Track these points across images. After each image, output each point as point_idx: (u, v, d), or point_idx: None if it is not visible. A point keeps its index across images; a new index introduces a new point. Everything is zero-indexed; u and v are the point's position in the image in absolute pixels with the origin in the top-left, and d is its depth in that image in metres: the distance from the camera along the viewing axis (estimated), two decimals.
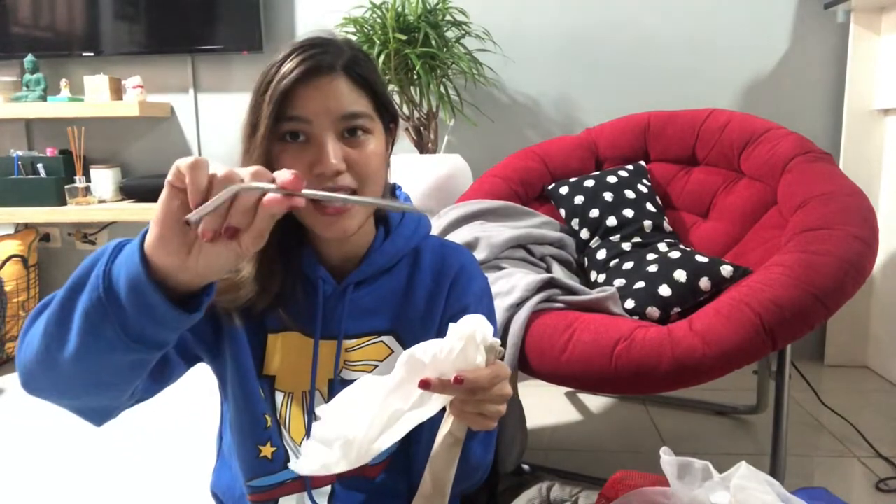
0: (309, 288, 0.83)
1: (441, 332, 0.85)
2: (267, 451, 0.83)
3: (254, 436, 0.83)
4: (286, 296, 0.81)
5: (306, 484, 0.83)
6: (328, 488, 0.84)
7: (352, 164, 0.74)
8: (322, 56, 0.74)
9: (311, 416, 0.83)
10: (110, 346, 0.56)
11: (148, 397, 0.76)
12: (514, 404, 1.28)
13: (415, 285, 0.86)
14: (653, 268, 1.46)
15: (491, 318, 0.91)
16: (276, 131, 0.74)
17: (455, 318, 0.84)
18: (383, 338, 0.84)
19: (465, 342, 0.62)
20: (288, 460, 0.83)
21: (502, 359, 0.68)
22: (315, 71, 0.73)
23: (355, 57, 0.77)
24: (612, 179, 1.72)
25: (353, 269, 0.84)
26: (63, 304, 0.58)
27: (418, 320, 0.85)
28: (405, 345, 0.84)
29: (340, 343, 0.83)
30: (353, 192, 0.75)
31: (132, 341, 0.56)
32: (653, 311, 1.39)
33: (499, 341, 0.66)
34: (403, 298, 0.85)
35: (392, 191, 0.94)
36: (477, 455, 0.81)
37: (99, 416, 0.69)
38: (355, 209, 0.76)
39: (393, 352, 0.85)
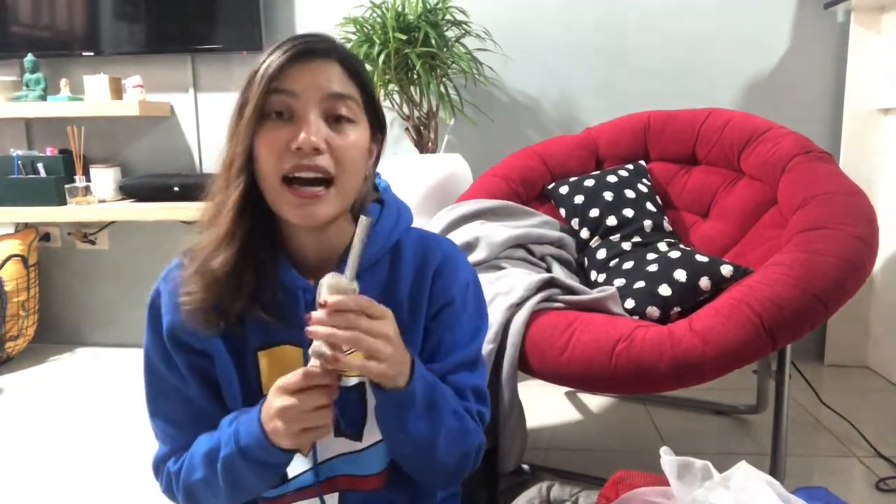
0: (290, 298, 0.80)
1: (428, 324, 0.85)
2: None
3: None
4: (266, 307, 0.79)
5: (316, 491, 0.83)
6: (335, 495, 0.84)
7: (332, 147, 0.75)
8: (318, 43, 0.76)
9: None
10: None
11: None
12: (514, 404, 1.28)
13: (397, 280, 0.84)
14: (653, 267, 1.46)
15: (480, 307, 0.90)
16: (264, 110, 0.74)
17: (442, 311, 0.84)
18: None
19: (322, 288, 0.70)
20: (286, 474, 0.83)
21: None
22: (309, 53, 0.75)
23: (350, 54, 0.79)
24: (612, 179, 1.72)
25: (331, 271, 0.80)
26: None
27: (404, 314, 0.83)
28: None
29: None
30: (331, 179, 0.75)
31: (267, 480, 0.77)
32: (653, 310, 1.39)
33: (354, 284, 0.70)
34: (387, 294, 0.83)
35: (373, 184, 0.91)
36: (418, 428, 0.75)
37: None
38: (329, 197, 0.76)
39: None
